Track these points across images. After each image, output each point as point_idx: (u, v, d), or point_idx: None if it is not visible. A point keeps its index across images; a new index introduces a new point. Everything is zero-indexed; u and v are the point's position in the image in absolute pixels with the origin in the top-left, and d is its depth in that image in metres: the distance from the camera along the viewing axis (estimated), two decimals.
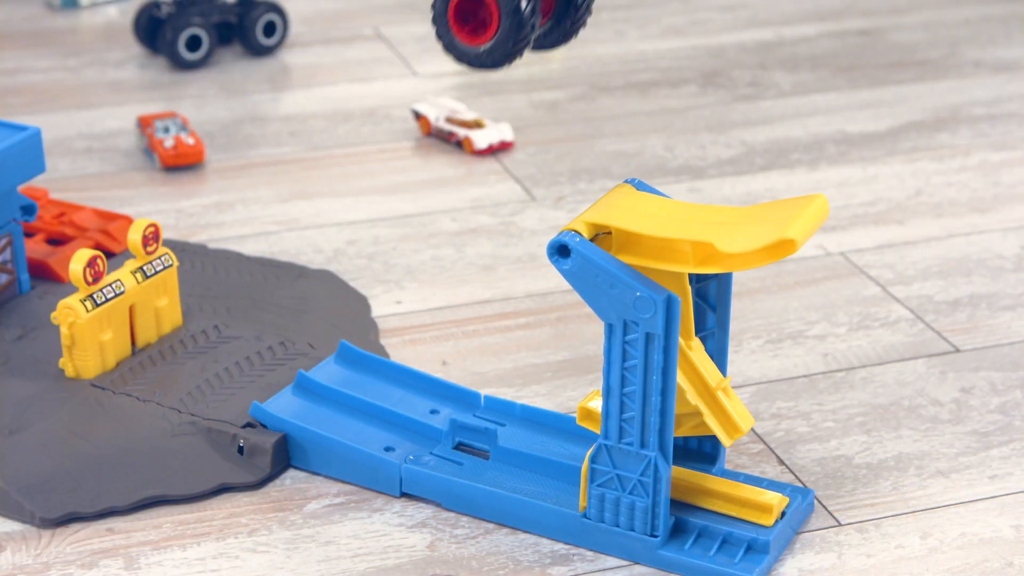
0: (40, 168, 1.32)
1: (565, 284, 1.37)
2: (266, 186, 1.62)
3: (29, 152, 1.31)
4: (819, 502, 1.10)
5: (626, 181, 1.05)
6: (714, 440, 1.10)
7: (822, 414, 1.21)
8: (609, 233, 1.00)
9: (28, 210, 1.35)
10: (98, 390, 1.20)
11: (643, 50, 2.06)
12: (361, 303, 1.38)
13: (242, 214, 1.56)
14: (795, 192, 1.62)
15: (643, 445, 1.01)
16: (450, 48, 0.98)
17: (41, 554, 1.05)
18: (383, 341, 1.31)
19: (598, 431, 1.05)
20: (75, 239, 1.43)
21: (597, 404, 1.06)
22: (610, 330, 0.99)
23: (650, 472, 1.01)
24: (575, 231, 0.98)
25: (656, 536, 1.03)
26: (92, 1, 2.21)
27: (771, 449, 1.17)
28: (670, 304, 0.97)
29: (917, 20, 2.18)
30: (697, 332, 1.07)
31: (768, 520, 1.04)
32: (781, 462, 1.15)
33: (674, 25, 2.16)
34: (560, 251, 0.98)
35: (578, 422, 1.07)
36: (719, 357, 1.07)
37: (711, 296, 1.07)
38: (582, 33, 2.11)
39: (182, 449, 1.14)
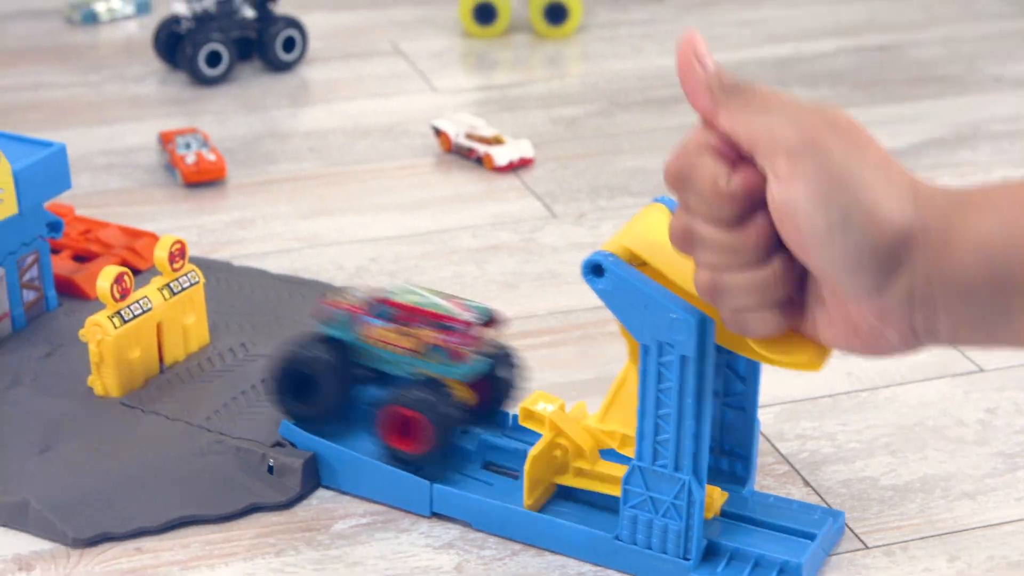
0: (65, 184, 1.32)
1: (588, 302, 1.38)
2: (287, 202, 1.63)
3: (54, 168, 1.31)
4: (846, 524, 1.10)
5: (656, 200, 1.04)
6: (745, 462, 1.10)
7: (847, 434, 1.21)
8: (643, 264, 0.99)
9: (54, 227, 1.35)
10: (127, 408, 1.21)
11: (661, 66, 2.06)
12: None
13: (263, 231, 1.56)
14: None
15: (677, 468, 1.01)
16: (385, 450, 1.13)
17: (71, 574, 1.05)
18: None
19: (541, 431, 1.07)
20: (101, 256, 1.43)
21: (543, 408, 1.08)
22: (645, 351, 0.99)
23: (684, 495, 1.01)
24: (610, 252, 0.98)
25: (688, 559, 1.03)
26: (112, 16, 2.21)
27: (796, 470, 1.17)
28: (704, 326, 0.96)
29: (936, 35, 2.18)
30: (725, 396, 1.08)
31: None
32: (807, 483, 1.15)
33: None
34: (594, 270, 0.98)
35: (520, 422, 1.09)
36: (747, 426, 1.08)
37: (741, 367, 1.07)
38: (600, 48, 2.12)
39: (212, 469, 1.14)
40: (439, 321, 1.11)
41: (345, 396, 1.15)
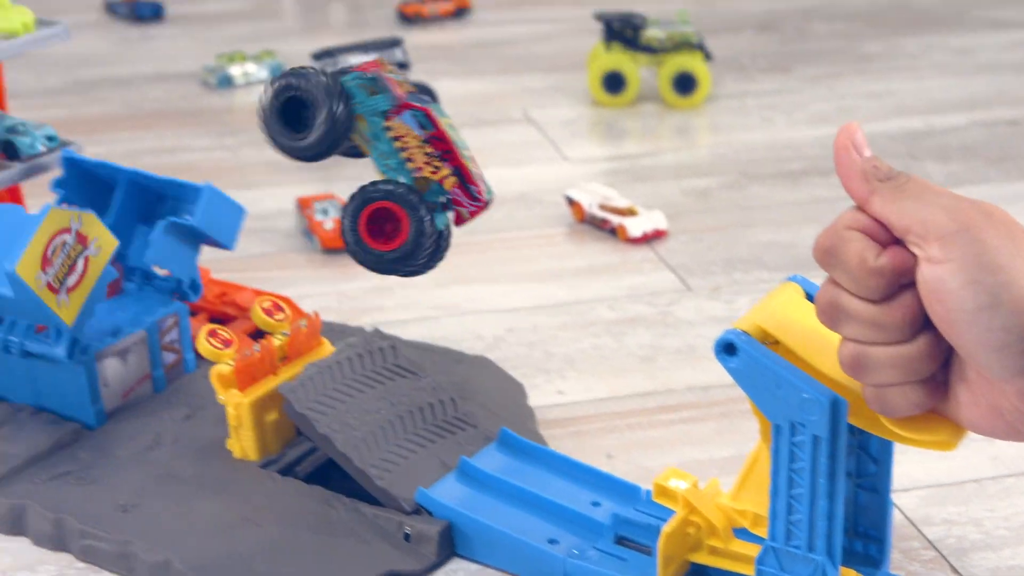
0: (229, 242, 1.36)
1: (726, 378, 1.36)
2: None
3: (230, 219, 1.35)
4: None
5: (790, 279, 1.04)
6: (880, 544, 1.09)
7: (994, 521, 1.19)
8: (776, 343, 0.99)
9: (194, 288, 1.37)
10: (264, 472, 1.22)
11: (791, 137, 2.06)
12: (518, 390, 1.39)
13: (402, 298, 1.58)
14: None
15: (811, 549, 1.00)
16: (359, 253, 1.11)
17: None
18: (546, 432, 1.32)
19: (675, 508, 1.06)
20: (236, 319, 1.45)
21: (676, 484, 1.07)
22: (777, 430, 0.99)
23: None
24: (743, 330, 0.98)
25: None
26: (247, 80, 2.25)
27: (943, 556, 1.15)
28: (836, 406, 0.96)
29: None
30: (858, 477, 1.07)
31: None
32: (954, 570, 1.14)
33: (821, 112, 2.16)
34: (727, 349, 0.98)
35: (653, 498, 1.09)
36: (880, 508, 1.07)
37: (873, 448, 1.06)
38: (729, 118, 2.12)
39: (349, 535, 1.15)
40: (464, 177, 1.10)
41: (330, 147, 1.12)
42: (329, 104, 1.09)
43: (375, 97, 1.10)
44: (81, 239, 1.24)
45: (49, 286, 1.21)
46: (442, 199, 1.10)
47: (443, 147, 1.10)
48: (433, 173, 1.10)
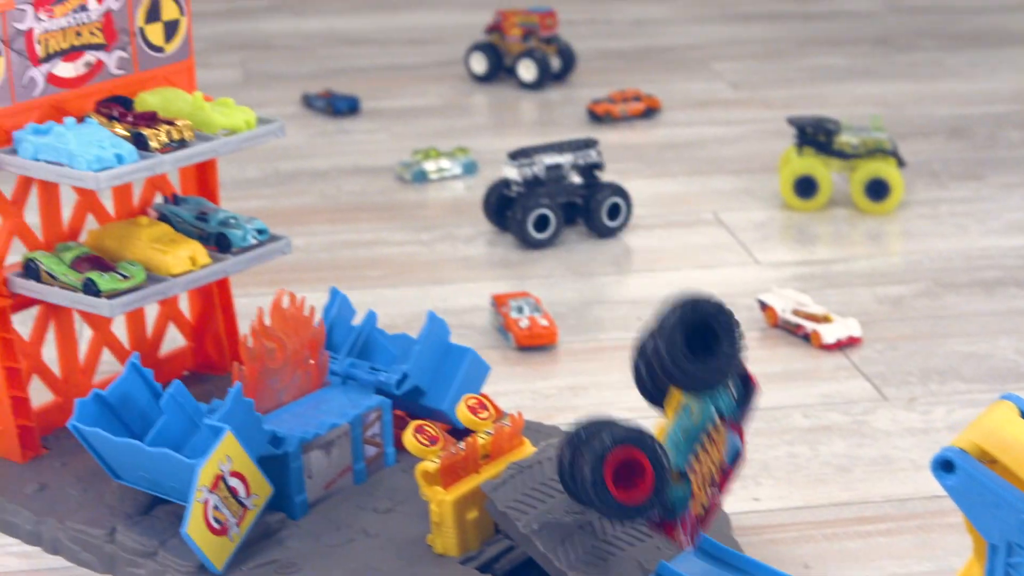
0: (449, 404, 1.41)
1: (925, 490, 1.36)
2: (619, 371, 1.64)
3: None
4: None
5: (1003, 397, 1.04)
6: None
7: None
8: (994, 461, 0.99)
9: (399, 385, 1.40)
10: (464, 568, 1.23)
11: (986, 246, 2.04)
12: None
13: (596, 398, 1.59)
14: None
15: None
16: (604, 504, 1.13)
17: None
18: (741, 539, 1.32)
19: None
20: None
21: None
22: (993, 550, 0.98)
23: None
24: (961, 448, 0.98)
25: None
26: (440, 175, 2.29)
27: None
28: None
29: None
30: None
31: None
32: None
33: (1016, 221, 2.13)
34: (944, 466, 0.98)
35: None
36: None
37: None
38: (922, 225, 2.11)
39: None
40: (706, 517, 1.15)
41: (701, 384, 1.13)
42: (735, 357, 1.12)
43: (728, 397, 1.15)
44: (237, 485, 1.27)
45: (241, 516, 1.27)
46: (679, 503, 1.15)
47: (723, 483, 1.16)
48: (698, 489, 1.14)
